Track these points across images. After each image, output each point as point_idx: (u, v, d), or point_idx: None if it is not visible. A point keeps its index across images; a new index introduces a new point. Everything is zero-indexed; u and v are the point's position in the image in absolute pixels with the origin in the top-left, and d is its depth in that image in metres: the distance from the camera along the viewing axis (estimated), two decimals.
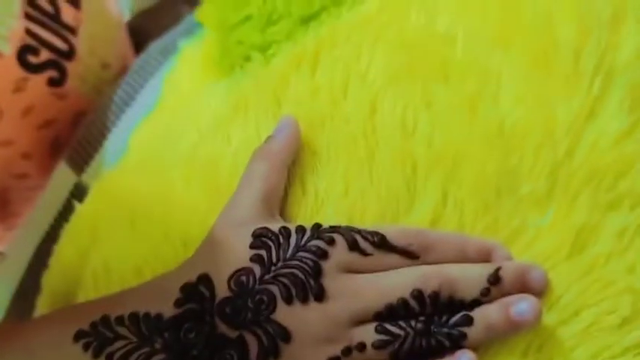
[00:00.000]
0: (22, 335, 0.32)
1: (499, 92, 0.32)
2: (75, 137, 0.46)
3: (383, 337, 0.29)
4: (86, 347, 0.30)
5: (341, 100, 0.33)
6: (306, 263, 0.30)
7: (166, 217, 0.35)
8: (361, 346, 0.29)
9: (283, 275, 0.30)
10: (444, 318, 0.29)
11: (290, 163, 0.34)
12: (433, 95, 0.32)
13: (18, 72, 0.41)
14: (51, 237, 0.45)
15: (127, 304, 0.31)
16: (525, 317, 0.28)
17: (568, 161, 0.30)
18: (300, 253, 0.30)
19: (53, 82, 0.45)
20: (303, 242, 0.30)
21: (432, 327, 0.29)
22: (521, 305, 0.28)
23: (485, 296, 0.29)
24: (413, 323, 0.29)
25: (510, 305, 0.29)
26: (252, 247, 0.31)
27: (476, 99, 0.32)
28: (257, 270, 0.30)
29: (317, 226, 0.31)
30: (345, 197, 0.32)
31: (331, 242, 0.30)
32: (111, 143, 0.45)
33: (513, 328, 0.29)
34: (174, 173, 0.36)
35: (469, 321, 0.29)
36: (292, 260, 0.30)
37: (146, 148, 0.39)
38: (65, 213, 0.44)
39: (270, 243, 0.31)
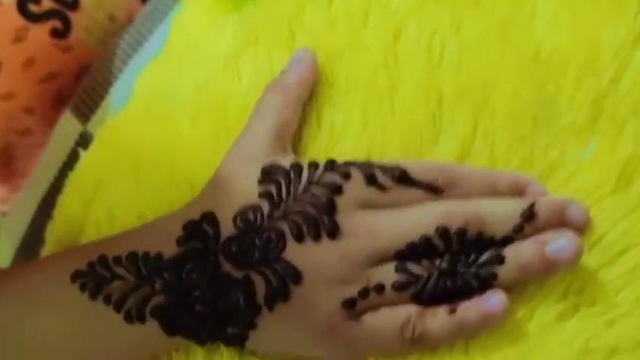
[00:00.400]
0: (22, 275, 0.31)
1: (534, 16, 0.29)
2: (80, 86, 0.45)
3: (404, 277, 0.27)
4: (83, 287, 0.29)
5: (361, 28, 0.31)
6: (318, 199, 0.28)
7: (171, 160, 0.33)
8: (380, 287, 0.27)
9: (294, 212, 0.28)
10: (472, 257, 0.27)
11: (305, 98, 0.31)
12: (462, 21, 0.30)
13: (18, 21, 0.40)
14: (56, 188, 0.43)
15: (125, 244, 0.29)
16: (563, 255, 0.26)
17: (613, 89, 0.28)
18: (313, 189, 0.28)
19: (56, 33, 0.43)
20: (315, 177, 0.28)
21: (459, 266, 0.27)
22: (559, 242, 0.26)
23: (518, 233, 0.27)
24: (437, 262, 0.27)
25: (546, 242, 0.26)
26: (260, 182, 0.29)
27: (508, 24, 0.29)
28: (265, 206, 0.28)
29: (331, 161, 0.29)
30: (363, 131, 0.29)
31: (346, 176, 0.28)
32: (117, 90, 0.43)
33: (549, 268, 0.26)
34: (180, 114, 0.34)
35: (500, 260, 0.26)
36: (304, 196, 0.28)
37: (151, 92, 0.37)
38: (71, 163, 0.43)
39: (280, 178, 0.28)
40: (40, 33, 0.41)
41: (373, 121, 0.29)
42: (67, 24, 0.43)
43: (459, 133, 0.29)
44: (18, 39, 0.40)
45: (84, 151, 0.39)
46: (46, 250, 0.39)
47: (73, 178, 0.39)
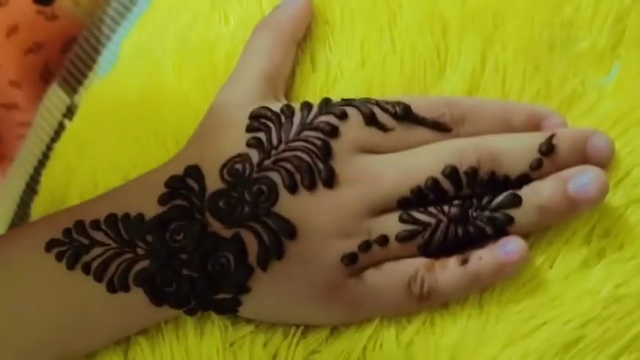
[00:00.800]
0: None
1: None
2: (67, 57, 0.43)
3: (409, 226, 0.24)
4: (60, 257, 0.26)
5: None
6: (312, 143, 0.25)
7: (156, 115, 0.31)
8: (383, 240, 0.24)
9: (285, 159, 0.25)
10: (485, 200, 0.24)
11: (300, 37, 0.29)
12: None
13: None
14: (43, 165, 0.42)
15: (103, 207, 0.27)
16: (587, 193, 0.23)
17: (637, 6, 0.25)
18: (306, 132, 0.25)
19: (39, 0, 0.41)
20: (309, 119, 0.25)
21: (470, 211, 0.24)
22: (582, 178, 0.23)
23: (535, 170, 0.24)
24: (446, 208, 0.24)
25: (568, 179, 0.24)
26: (248, 130, 0.26)
27: None
28: (254, 156, 0.25)
29: (326, 101, 0.26)
30: (361, 70, 0.27)
31: (343, 116, 0.25)
32: (104, 59, 0.41)
33: (572, 208, 0.24)
34: (164, 66, 0.31)
35: (516, 201, 0.24)
36: (296, 141, 0.25)
37: (135, 51, 0.35)
38: (57, 137, 0.41)
39: (270, 124, 0.26)
40: None
41: (372, 57, 0.27)
42: None
43: (467, 65, 0.26)
44: (0, 3, 0.38)
45: (69, 122, 0.38)
46: None
47: (57, 149, 0.37)
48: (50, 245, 0.26)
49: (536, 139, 0.24)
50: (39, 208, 0.36)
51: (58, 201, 0.35)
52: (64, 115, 0.41)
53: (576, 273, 0.24)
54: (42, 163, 0.42)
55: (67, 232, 0.26)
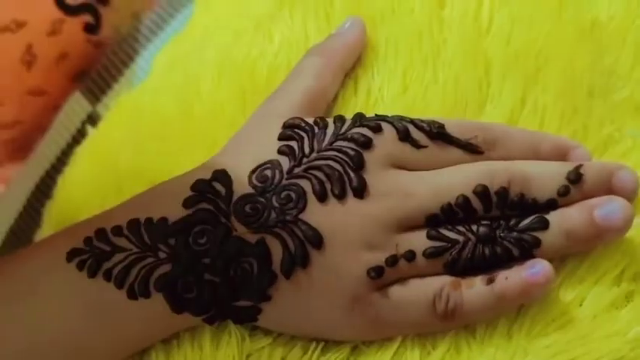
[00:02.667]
0: (10, 265, 0.28)
1: None
2: (94, 67, 0.44)
3: (437, 243, 0.25)
4: (81, 266, 0.26)
5: None
6: (345, 153, 0.26)
7: (189, 125, 0.32)
8: (410, 255, 0.25)
9: (317, 167, 0.26)
10: (513, 221, 0.25)
11: (349, 67, 0.30)
12: None
13: (54, 12, 0.39)
14: (56, 170, 0.42)
15: (126, 213, 0.27)
16: (613, 221, 0.24)
17: None
18: (339, 142, 0.26)
19: (89, 28, 0.42)
20: (343, 130, 0.26)
21: (498, 232, 0.25)
22: (609, 206, 0.24)
23: (563, 196, 0.25)
24: (474, 228, 0.25)
25: (595, 207, 0.25)
26: (281, 138, 0.27)
27: None
28: (285, 163, 0.26)
29: (360, 115, 0.27)
30: (402, 96, 0.28)
31: (377, 129, 0.26)
32: (134, 72, 0.42)
33: (597, 235, 0.24)
34: (202, 77, 0.32)
35: (544, 224, 0.25)
36: (329, 151, 0.26)
37: (172, 64, 0.36)
38: (75, 144, 0.42)
39: (303, 133, 0.27)
40: (74, 26, 0.40)
41: (413, 85, 0.28)
42: (98, 19, 0.43)
43: (508, 102, 0.27)
44: (54, 32, 0.39)
45: (92, 128, 0.38)
46: (44, 232, 0.37)
47: (81, 152, 0.37)
48: (71, 255, 0.27)
49: (565, 167, 0.26)
50: (54, 213, 0.37)
51: (77, 209, 0.35)
52: (84, 123, 0.42)
53: (605, 313, 0.24)
54: (55, 168, 0.42)
55: (88, 240, 0.27)
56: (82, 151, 0.37)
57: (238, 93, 0.31)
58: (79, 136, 0.41)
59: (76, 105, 0.42)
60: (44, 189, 0.41)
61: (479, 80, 0.28)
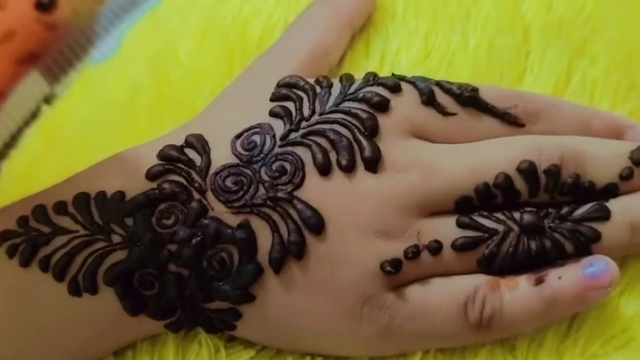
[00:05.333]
0: None
1: None
2: (55, 46, 0.40)
3: (470, 233, 0.21)
4: (12, 252, 0.22)
5: None
6: (355, 116, 0.22)
7: (163, 92, 0.28)
8: (435, 246, 0.21)
9: (318, 133, 0.21)
10: (566, 209, 0.21)
11: (358, 26, 0.26)
12: None
13: None
14: (3, 155, 0.38)
15: (73, 187, 0.22)
16: None
17: None
18: (348, 103, 0.22)
19: (41, 6, 0.39)
20: (352, 90, 0.22)
21: (547, 222, 0.21)
22: None
23: (626, 180, 0.21)
24: (517, 215, 0.21)
25: None
26: (274, 98, 0.22)
27: None
28: (278, 127, 0.22)
29: (373, 74, 0.23)
30: (424, 62, 0.25)
31: (396, 89, 0.22)
32: (99, 50, 0.39)
33: None
34: (181, 40, 0.28)
35: (605, 214, 0.21)
36: (335, 113, 0.22)
37: (146, 30, 0.32)
38: (26, 126, 0.38)
39: (302, 93, 0.22)
40: (23, 2, 0.37)
41: (438, 51, 0.25)
42: None
43: (551, 75, 0.24)
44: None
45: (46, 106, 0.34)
46: None
47: (30, 132, 0.33)
48: (2, 238, 0.22)
49: (625, 146, 0.22)
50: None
51: (20, 193, 0.31)
52: (39, 104, 0.39)
53: None
54: (1, 153, 0.38)
55: (22, 220, 0.22)
56: (30, 132, 0.33)
57: (225, 56, 0.27)
58: (31, 119, 0.37)
59: (33, 85, 0.38)
60: None
61: (516, 47, 0.25)
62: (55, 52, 0.40)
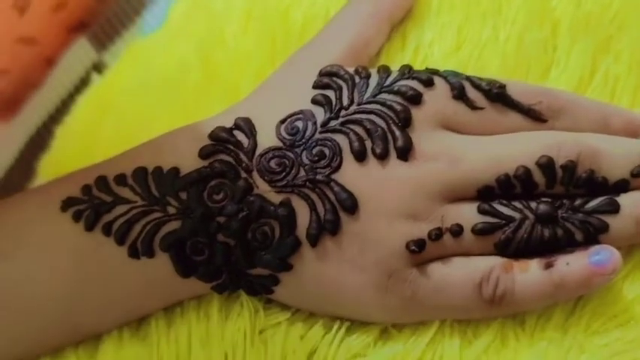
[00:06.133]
0: None
1: None
2: (103, 14, 0.42)
3: (489, 219, 0.23)
4: (77, 217, 0.24)
5: None
6: (390, 107, 0.23)
7: (209, 72, 0.30)
8: (457, 229, 0.23)
9: (356, 122, 0.23)
10: (579, 201, 0.23)
11: (398, 20, 0.28)
12: None
13: None
14: (55, 120, 0.40)
15: (132, 160, 0.25)
16: None
17: None
18: (384, 95, 0.24)
19: None
20: (388, 82, 0.24)
21: (561, 212, 0.23)
22: None
23: (637, 177, 0.23)
24: (534, 205, 0.23)
25: None
26: (316, 86, 0.25)
27: None
28: (320, 114, 0.24)
29: (408, 67, 0.25)
30: (455, 54, 0.26)
31: (429, 83, 0.24)
32: (146, 21, 0.40)
33: None
34: (227, 23, 0.30)
35: (615, 207, 0.23)
36: (371, 104, 0.24)
37: (193, 8, 0.34)
38: (77, 93, 0.40)
39: (342, 83, 0.24)
40: None
41: (469, 43, 0.26)
42: None
43: (576, 69, 0.26)
44: None
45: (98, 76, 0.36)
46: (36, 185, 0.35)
47: (83, 101, 0.35)
48: (67, 204, 0.24)
49: (639, 145, 0.24)
50: (50, 164, 0.34)
51: (75, 160, 0.33)
52: (88, 72, 0.40)
53: None
54: (53, 118, 0.40)
55: (86, 189, 0.24)
56: (83, 101, 0.35)
57: (267, 42, 0.29)
58: (81, 86, 0.40)
59: (81, 51, 0.40)
60: (39, 141, 0.39)
61: (544, 42, 0.26)
62: (103, 20, 0.42)
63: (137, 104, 0.32)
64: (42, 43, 0.39)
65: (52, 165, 0.36)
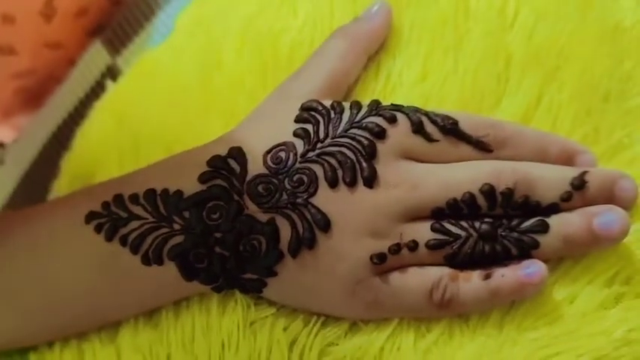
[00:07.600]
0: (25, 221, 0.31)
1: None
2: (115, 18, 0.45)
3: (439, 236, 0.27)
4: (99, 229, 0.29)
5: None
6: (359, 142, 0.28)
7: (207, 91, 0.34)
8: (413, 245, 0.27)
9: (330, 154, 0.28)
10: (515, 222, 0.27)
11: (373, 52, 0.32)
12: None
13: None
14: (74, 119, 0.44)
15: (143, 181, 0.29)
16: (610, 231, 0.26)
17: None
18: (354, 130, 0.28)
19: None
20: (358, 118, 0.28)
21: (500, 230, 0.27)
22: (608, 216, 0.26)
23: (565, 201, 0.27)
24: (477, 224, 0.27)
25: (594, 215, 0.27)
26: (297, 120, 0.29)
27: None
28: (300, 146, 0.28)
29: (376, 102, 0.29)
30: (421, 83, 0.30)
31: (392, 120, 0.28)
32: (156, 28, 0.44)
33: (594, 242, 0.27)
34: (224, 45, 0.34)
35: (544, 227, 0.27)
36: (343, 138, 0.28)
37: (194, 25, 0.38)
38: (93, 95, 0.44)
39: (320, 117, 0.29)
40: None
41: (433, 74, 0.30)
42: None
43: (524, 99, 0.29)
44: None
45: (112, 83, 0.40)
46: (61, 183, 0.40)
47: (100, 107, 0.39)
48: (89, 217, 0.29)
49: (570, 172, 0.28)
50: (72, 165, 0.39)
51: (95, 162, 0.38)
52: (105, 75, 0.44)
53: (594, 312, 0.27)
54: (73, 118, 0.44)
55: (105, 205, 0.29)
56: (100, 107, 0.39)
57: (260, 66, 0.33)
58: (97, 89, 0.43)
59: (96, 55, 0.44)
60: (61, 139, 0.44)
61: (498, 74, 0.30)
62: (115, 24, 0.46)
63: (148, 116, 0.36)
64: (66, 47, 0.43)
65: (73, 165, 0.40)
